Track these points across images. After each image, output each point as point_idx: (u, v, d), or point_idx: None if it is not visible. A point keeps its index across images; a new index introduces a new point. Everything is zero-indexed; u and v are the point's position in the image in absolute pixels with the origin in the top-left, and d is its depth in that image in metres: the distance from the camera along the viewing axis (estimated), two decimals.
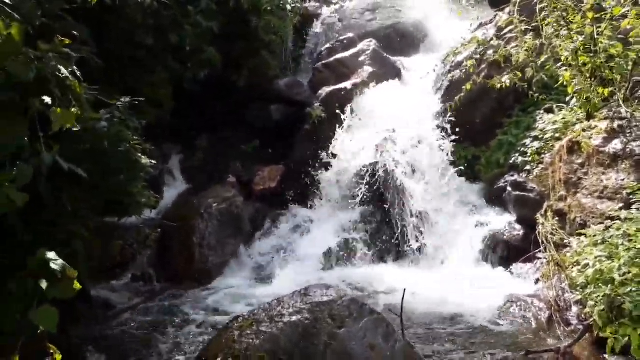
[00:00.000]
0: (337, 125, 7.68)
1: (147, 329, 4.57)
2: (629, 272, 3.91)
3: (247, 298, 5.13)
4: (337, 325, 3.16)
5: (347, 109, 7.81)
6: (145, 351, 4.15)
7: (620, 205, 4.59)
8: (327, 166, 7.44)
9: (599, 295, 4.01)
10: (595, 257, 4.26)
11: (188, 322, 4.63)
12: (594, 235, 4.57)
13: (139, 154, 4.04)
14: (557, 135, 6.60)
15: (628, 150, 4.76)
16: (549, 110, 7.21)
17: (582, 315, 4.26)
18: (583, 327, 3.62)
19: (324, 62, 9.40)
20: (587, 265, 4.32)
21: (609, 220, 4.56)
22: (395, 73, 8.92)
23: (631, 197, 4.50)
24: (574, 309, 4.39)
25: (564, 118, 6.72)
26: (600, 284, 4.08)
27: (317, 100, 8.13)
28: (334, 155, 7.46)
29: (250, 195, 7.54)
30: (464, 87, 6.15)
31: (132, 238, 5.54)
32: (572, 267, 4.49)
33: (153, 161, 4.22)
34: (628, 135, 4.88)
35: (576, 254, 4.57)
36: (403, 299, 3.79)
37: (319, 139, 7.77)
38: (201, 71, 7.67)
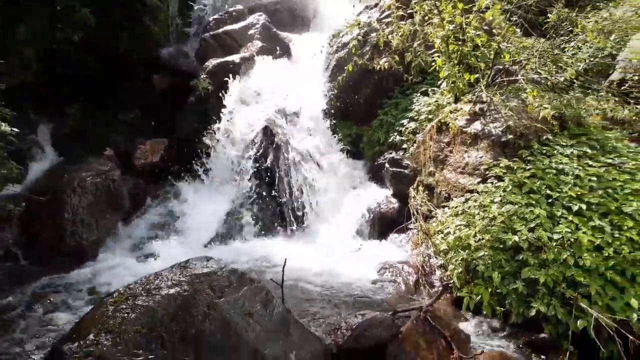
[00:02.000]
0: (225, 98, 7.56)
1: (9, 313, 4.21)
2: (483, 239, 4.42)
3: (125, 277, 4.90)
4: (217, 295, 3.19)
5: (235, 82, 7.69)
6: (18, 335, 3.83)
7: (479, 180, 5.14)
8: (213, 140, 7.30)
9: (457, 260, 4.51)
10: (456, 226, 4.76)
11: (58, 305, 4.33)
12: (456, 207, 5.09)
13: None
14: (430, 116, 7.17)
15: (486, 130, 5.33)
16: (425, 94, 7.78)
17: (444, 278, 4.75)
18: (442, 288, 4.05)
19: (211, 32, 9.15)
20: (448, 233, 4.81)
21: (469, 193, 5.10)
22: (284, 49, 8.96)
23: (487, 172, 5.06)
24: (438, 272, 4.87)
25: (436, 101, 7.30)
26: (459, 250, 4.58)
27: (203, 72, 7.89)
28: (222, 129, 7.33)
29: (130, 170, 7.16)
30: (345, 68, 6.37)
31: None
32: (437, 235, 4.97)
33: (15, 129, 3.80)
34: (487, 117, 5.46)
35: (440, 224, 5.06)
36: (284, 268, 3.92)
37: (205, 112, 7.59)
38: (74, 33, 7.03)
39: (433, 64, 6.57)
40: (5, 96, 5.51)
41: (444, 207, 5.31)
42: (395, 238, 6.20)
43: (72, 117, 7.74)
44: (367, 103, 8.30)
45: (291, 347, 3.11)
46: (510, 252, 4.29)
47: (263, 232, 6.54)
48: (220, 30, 9.13)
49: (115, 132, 7.82)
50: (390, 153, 7.34)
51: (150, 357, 2.89)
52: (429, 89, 7.75)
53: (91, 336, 2.97)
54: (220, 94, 7.55)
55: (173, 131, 7.74)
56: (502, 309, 4.12)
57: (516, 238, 4.22)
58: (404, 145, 7.32)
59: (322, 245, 6.20)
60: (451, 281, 4.56)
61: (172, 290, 3.17)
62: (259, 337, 3.09)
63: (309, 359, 3.13)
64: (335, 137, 7.93)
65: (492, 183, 4.93)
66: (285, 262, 3.92)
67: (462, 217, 4.85)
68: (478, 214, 4.71)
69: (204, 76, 7.76)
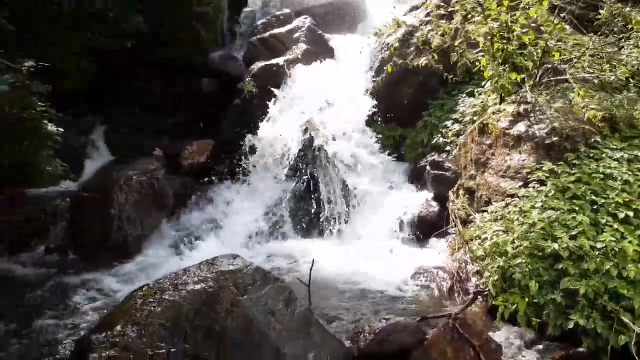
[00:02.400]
0: (269, 101, 7.68)
1: (57, 302, 4.48)
2: (521, 245, 4.24)
3: (164, 272, 5.09)
4: (240, 292, 3.25)
5: (280, 84, 7.81)
6: (53, 321, 4.08)
7: (520, 183, 4.93)
8: (256, 142, 7.44)
9: (493, 267, 4.35)
10: (493, 231, 4.60)
11: (96, 297, 4.57)
12: (495, 212, 4.91)
13: (45, 121, 3.88)
14: (475, 118, 6.95)
15: (530, 133, 5.11)
16: (471, 94, 7.57)
17: (480, 285, 4.60)
18: (472, 295, 3.92)
19: (258, 36, 9.33)
20: (486, 239, 4.65)
21: (509, 198, 4.91)
22: (329, 51, 9.00)
23: (529, 176, 4.85)
24: (473, 279, 4.72)
25: (482, 102, 7.07)
26: (495, 256, 4.41)
27: (249, 75, 8.06)
28: (264, 131, 7.46)
29: (178, 169, 7.43)
30: (385, 68, 6.30)
31: (43, 209, 5.33)
32: (474, 241, 4.81)
33: (60, 129, 4.06)
34: (531, 118, 5.23)
35: (478, 229, 4.90)
36: (311, 268, 3.94)
37: (250, 114, 7.75)
38: (127, 41, 7.39)
39: (478, 63, 6.38)
40: (61, 99, 5.89)
41: (483, 211, 5.14)
42: (434, 242, 6.06)
43: (126, 119, 8.15)
44: (411, 104, 8.16)
45: (311, 347, 3.12)
46: (549, 261, 4.09)
47: (300, 233, 6.59)
48: (267, 33, 9.29)
49: (164, 134, 8.16)
50: (432, 155, 7.19)
51: (172, 350, 2.98)
52: (475, 90, 7.53)
53: (118, 327, 3.11)
54: (263, 96, 7.68)
55: (218, 133, 7.95)
56: (538, 320, 3.93)
57: (556, 246, 4.01)
58: (447, 148, 7.15)
59: (357, 248, 6.16)
60: (486, 289, 4.41)
61: (197, 286, 3.26)
62: (280, 336, 3.12)
63: None
64: (377, 138, 7.86)
65: (533, 187, 4.72)
66: (313, 262, 3.94)
67: (501, 223, 4.67)
68: (517, 219, 4.53)
69: (249, 79, 7.93)
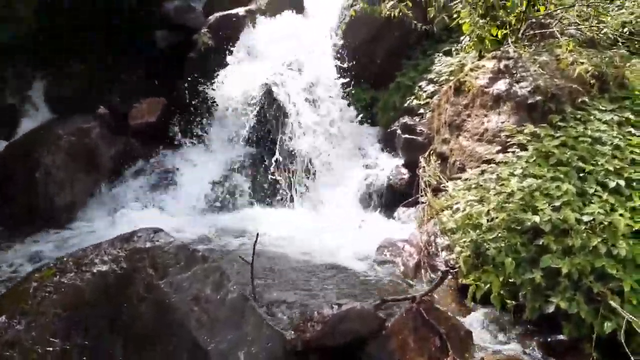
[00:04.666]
0: (227, 56, 6.91)
1: None
2: (497, 217, 3.71)
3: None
4: (159, 275, 2.64)
5: (239, 37, 7.02)
6: None
7: (498, 148, 4.38)
8: (213, 101, 6.70)
9: (465, 241, 3.82)
10: (467, 202, 4.05)
11: (9, 270, 3.90)
12: (469, 179, 4.36)
13: None
14: (451, 77, 6.35)
15: (511, 92, 4.53)
16: (448, 53, 6.94)
17: (450, 262, 4.08)
18: (441, 275, 3.38)
19: None
20: (458, 209, 4.11)
21: (486, 164, 4.35)
22: (297, 2, 8.16)
23: (509, 140, 4.29)
24: (443, 254, 4.19)
25: (460, 61, 6.46)
26: (468, 229, 3.89)
27: (206, 26, 7.23)
28: (221, 88, 6.71)
29: (125, 130, 6.66)
30: (349, 12, 5.58)
31: None
32: (445, 212, 4.27)
33: None
34: (513, 76, 4.64)
35: (450, 198, 4.35)
36: (255, 243, 3.33)
37: (206, 70, 6.95)
38: None
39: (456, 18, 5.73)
40: None
41: (456, 179, 4.58)
42: (402, 213, 5.53)
43: (72, 74, 7.28)
44: (385, 64, 7.52)
45: (243, 342, 2.54)
46: (528, 235, 3.56)
47: (258, 203, 5.97)
48: None
49: (113, 91, 7.33)
50: (405, 119, 6.59)
51: (66, 347, 2.37)
52: (453, 49, 6.90)
53: (3, 317, 2.49)
54: (221, 51, 6.89)
55: (173, 90, 7.16)
56: (514, 302, 3.43)
57: (537, 218, 3.48)
58: (421, 110, 6.55)
59: (319, 218, 5.61)
60: (456, 266, 3.89)
61: (105, 267, 2.64)
62: (203, 328, 2.53)
63: (265, 357, 2.55)
64: (347, 100, 7.20)
65: (513, 152, 4.16)
66: (257, 237, 3.33)
67: (476, 192, 4.12)
68: (494, 188, 3.98)
69: (205, 30, 7.10)
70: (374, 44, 7.54)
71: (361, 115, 7.18)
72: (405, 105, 6.80)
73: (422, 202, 5.34)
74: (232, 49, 6.94)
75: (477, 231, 3.79)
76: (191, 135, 6.62)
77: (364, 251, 4.60)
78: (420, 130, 5.92)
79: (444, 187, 4.70)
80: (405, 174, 5.88)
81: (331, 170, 6.33)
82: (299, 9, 8.20)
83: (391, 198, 5.78)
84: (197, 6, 8.44)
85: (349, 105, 7.20)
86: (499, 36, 5.38)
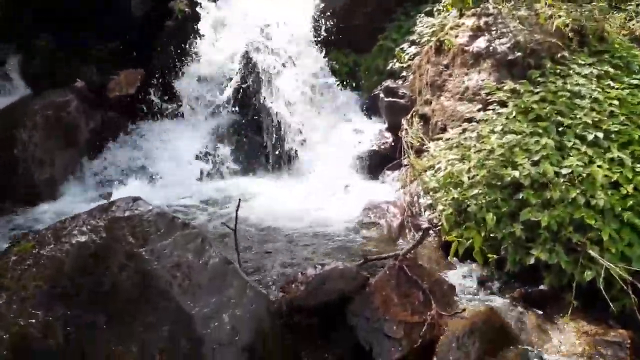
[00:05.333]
0: (204, 22, 6.73)
1: None
2: (477, 175, 3.72)
3: None
4: (139, 243, 2.61)
5: (215, 3, 6.83)
6: None
7: (479, 106, 4.36)
8: (192, 70, 6.55)
9: (447, 199, 3.83)
10: (448, 161, 4.05)
11: None
12: (451, 139, 4.35)
13: None
14: (432, 38, 6.26)
15: (491, 49, 4.48)
16: (429, 14, 6.82)
17: (433, 220, 4.11)
18: (422, 232, 3.40)
19: None
20: (439, 169, 4.11)
21: (467, 123, 4.34)
22: None
23: (489, 97, 4.27)
24: (426, 213, 4.21)
25: (441, 21, 6.35)
26: (450, 188, 3.90)
27: None
28: (200, 57, 6.56)
29: (104, 103, 6.50)
30: None
31: None
32: (427, 172, 4.27)
33: None
34: (493, 32, 4.58)
35: (432, 158, 4.34)
36: (237, 208, 3.30)
37: (184, 38, 6.77)
38: None
39: None
40: None
41: (438, 139, 4.57)
42: (387, 176, 5.52)
43: (42, 48, 7.04)
44: (367, 27, 7.36)
45: (226, 304, 2.55)
46: (508, 190, 3.59)
47: (245, 170, 5.91)
48: None
49: (90, 64, 7.12)
50: (387, 82, 6.52)
51: (49, 318, 2.36)
52: (435, 9, 6.78)
53: None
54: (198, 17, 6.71)
55: (151, 60, 6.98)
56: (495, 256, 3.48)
57: (516, 173, 3.50)
58: (403, 73, 6.47)
59: (306, 184, 5.58)
60: (438, 223, 3.92)
61: (84, 238, 2.60)
62: (186, 294, 2.53)
63: (249, 319, 2.57)
64: (329, 65, 7.09)
65: (493, 110, 4.14)
66: (239, 203, 3.30)
67: (457, 151, 4.12)
68: (474, 146, 3.97)
69: None
70: (355, 7, 7.39)
71: (344, 81, 7.08)
72: (389, 68, 6.72)
73: (406, 165, 5.36)
74: (208, 15, 6.75)
75: (459, 189, 3.80)
76: (171, 106, 6.48)
77: (349, 214, 4.60)
78: (403, 92, 5.86)
79: (426, 148, 4.68)
80: (388, 137, 5.86)
81: (316, 137, 6.27)
82: None
83: (376, 162, 5.76)
84: None
85: (331, 71, 7.09)
86: None
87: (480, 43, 4.54)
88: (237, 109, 6.37)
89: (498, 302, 3.28)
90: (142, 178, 5.57)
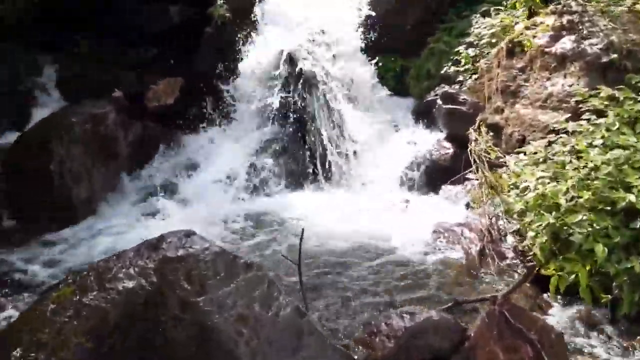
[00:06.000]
0: (246, 28, 6.28)
1: None
2: (579, 197, 3.12)
3: (119, 243, 3.95)
4: (196, 290, 2.13)
5: (257, 7, 6.37)
6: None
7: (567, 115, 3.76)
8: (233, 78, 6.11)
9: (540, 225, 3.24)
10: (537, 179, 3.45)
11: (22, 275, 3.45)
12: (535, 153, 3.75)
13: None
14: (493, 40, 5.67)
15: (579, 50, 3.87)
16: (486, 14, 6.23)
17: (519, 247, 3.52)
18: (526, 271, 2.82)
19: None
20: (527, 188, 3.52)
21: (553, 135, 3.73)
22: None
23: (580, 106, 3.65)
24: (510, 239, 3.63)
25: (501, 21, 5.76)
26: (542, 211, 3.30)
27: None
28: (242, 64, 6.11)
29: (143, 113, 6.12)
30: None
31: None
32: (509, 190, 3.69)
33: None
34: (579, 32, 3.97)
35: (514, 175, 3.75)
36: (301, 240, 2.79)
37: (224, 45, 6.34)
38: None
39: None
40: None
41: (517, 153, 3.97)
42: (449, 191, 4.94)
43: (80, 56, 6.74)
44: (415, 30, 6.83)
45: None
46: (620, 217, 2.98)
47: (292, 185, 5.42)
48: None
49: (128, 73, 6.77)
50: (443, 87, 5.94)
51: None
52: (491, 9, 6.17)
53: (19, 351, 2.02)
54: (239, 22, 6.27)
55: (190, 69, 6.57)
56: (608, 295, 2.87)
57: (632, 197, 2.89)
58: (460, 78, 5.90)
59: (359, 200, 5.05)
60: (529, 253, 3.33)
61: (131, 283, 2.15)
62: (255, 355, 2.02)
63: None
64: (376, 71, 6.56)
65: (588, 120, 3.53)
66: (302, 233, 2.79)
67: (546, 167, 3.52)
68: (570, 162, 3.37)
69: (221, 2, 6.46)
70: (402, 9, 6.85)
71: (391, 86, 6.53)
72: (442, 72, 6.16)
73: (472, 179, 4.78)
74: (250, 19, 6.30)
75: (554, 213, 3.21)
76: (212, 116, 6.05)
77: (416, 237, 4.05)
78: (464, 99, 5.27)
79: (502, 162, 4.09)
80: (448, 148, 5.28)
81: (367, 147, 5.75)
82: None
83: (435, 175, 5.19)
84: None
85: (378, 76, 6.56)
86: None
87: (565, 44, 3.94)
88: (282, 119, 5.88)
89: (616, 353, 2.68)
90: (184, 195, 5.13)
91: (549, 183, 3.36)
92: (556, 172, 3.40)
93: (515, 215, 3.57)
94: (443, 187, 5.06)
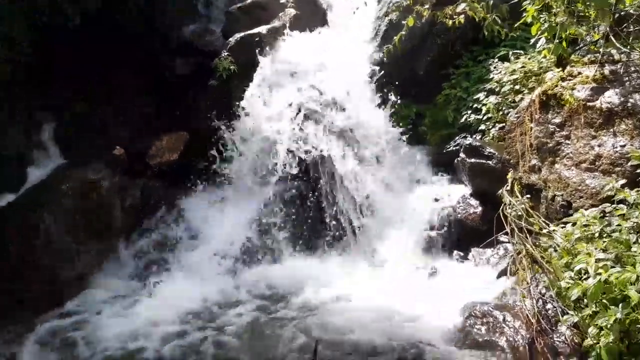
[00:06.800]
0: (250, 81, 5.84)
1: None
2: None
3: (107, 331, 3.36)
4: None
5: (263, 59, 5.95)
6: None
7: (622, 181, 3.17)
8: (237, 133, 5.62)
9: (606, 321, 2.61)
10: (597, 261, 2.84)
11: None
12: (587, 224, 3.15)
13: None
14: (517, 87, 5.19)
15: (629, 104, 3.32)
16: (504, 59, 5.75)
17: (574, 340, 2.89)
18: None
19: (239, 5, 7.37)
20: (583, 272, 2.90)
21: (608, 204, 3.14)
22: (321, 16, 7.10)
23: (638, 170, 3.07)
24: (564, 330, 2.99)
25: (523, 66, 5.28)
26: (606, 302, 2.67)
27: (225, 49, 6.17)
28: (247, 119, 5.63)
29: (145, 171, 5.63)
30: (404, 22, 4.40)
31: None
32: (561, 271, 3.07)
33: None
34: (626, 84, 3.43)
35: (564, 253, 3.14)
36: (315, 354, 2.19)
37: (229, 98, 5.90)
38: (73, 11, 5.58)
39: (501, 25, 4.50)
40: None
41: (562, 221, 3.37)
42: (480, 255, 4.35)
43: (79, 112, 6.30)
44: (429, 75, 6.38)
45: None
46: None
47: (300, 250, 4.85)
48: (249, 0, 7.35)
49: (130, 128, 6.32)
50: (464, 137, 5.43)
51: None
52: (510, 53, 5.71)
53: None
54: (244, 75, 5.83)
55: (193, 123, 6.11)
56: None
57: None
58: (482, 127, 5.39)
59: (378, 268, 4.47)
60: (591, 354, 2.69)
61: None
62: None
63: None
64: (389, 119, 6.06)
65: None
66: (316, 347, 2.19)
67: (604, 245, 2.92)
68: (637, 242, 2.77)
69: (226, 54, 6.04)
70: (416, 54, 6.41)
71: (406, 135, 6.01)
72: (462, 121, 5.66)
73: (504, 242, 4.18)
74: (256, 72, 5.86)
75: (623, 307, 2.58)
76: (217, 174, 5.53)
77: (445, 319, 3.43)
78: (490, 152, 4.71)
79: (544, 231, 3.49)
80: (476, 206, 4.70)
81: (383, 205, 5.17)
82: (325, 22, 7.16)
83: (462, 237, 4.61)
84: (215, 29, 7.48)
85: (392, 124, 6.05)
86: (582, 34, 4.16)
87: (612, 98, 3.40)
88: (290, 175, 5.35)
89: None
90: (182, 266, 4.55)
91: (613, 268, 2.74)
92: (620, 254, 2.80)
93: (568, 301, 2.94)
94: (473, 250, 4.46)
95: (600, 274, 2.75)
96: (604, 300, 2.70)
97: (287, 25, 6.55)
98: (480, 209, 4.63)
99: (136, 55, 6.57)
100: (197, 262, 4.52)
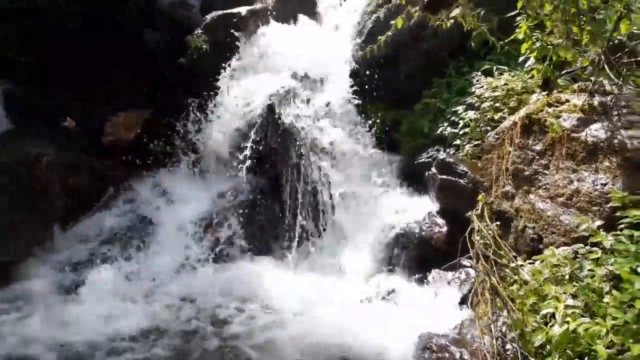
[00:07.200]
0: (224, 63, 5.40)
1: None
2: (624, 349, 2.26)
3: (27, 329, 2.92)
4: None
5: (240, 41, 5.52)
6: None
7: (599, 222, 2.93)
8: (204, 117, 5.20)
9: None
10: (566, 307, 2.59)
11: None
12: (557, 265, 2.90)
13: None
14: (497, 105, 4.92)
15: (616, 141, 3.07)
16: (488, 73, 5.49)
17: None
18: None
19: None
20: (549, 316, 2.66)
21: (581, 244, 2.90)
22: (308, 3, 6.70)
23: (618, 213, 2.83)
24: None
25: (506, 84, 5.02)
26: (571, 354, 2.43)
27: (200, 27, 5.69)
28: (215, 103, 5.22)
29: (98, 149, 5.15)
30: (392, 23, 4.06)
31: None
32: (526, 312, 2.82)
33: None
34: (614, 118, 3.19)
35: (531, 292, 2.88)
36: None
37: (197, 78, 5.45)
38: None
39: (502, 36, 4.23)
40: None
41: (531, 258, 3.12)
42: (441, 278, 4.07)
43: (34, 80, 5.71)
44: (410, 81, 6.04)
45: None
46: None
47: (256, 252, 4.50)
48: None
49: (88, 99, 5.76)
50: (438, 150, 5.14)
51: None
52: (494, 68, 5.45)
53: None
54: (218, 56, 5.39)
55: (157, 101, 5.63)
56: None
57: None
58: (457, 141, 5.10)
59: (334, 282, 4.15)
60: None
61: None
62: None
63: None
64: (363, 122, 5.76)
65: (631, 237, 2.70)
66: None
67: (574, 290, 2.67)
68: (609, 292, 2.53)
69: (200, 32, 5.57)
70: (399, 58, 6.09)
71: (380, 141, 5.71)
72: (437, 132, 5.36)
73: (467, 266, 3.95)
74: (231, 54, 5.43)
75: None
76: (175, 159, 5.11)
77: (400, 349, 3.15)
78: (463, 170, 4.45)
79: (512, 264, 3.24)
80: (442, 225, 4.43)
81: (346, 211, 4.87)
82: (311, 14, 6.75)
83: (424, 256, 4.33)
84: (194, 3, 6.95)
85: (364, 127, 5.75)
86: (575, 59, 3.92)
87: (599, 131, 3.15)
88: (254, 168, 4.98)
89: None
90: (124, 258, 4.12)
91: (581, 316, 2.50)
92: (590, 302, 2.56)
93: (530, 346, 2.70)
94: (433, 272, 4.18)
95: (568, 322, 2.51)
96: (569, 352, 2.46)
97: (270, 8, 6.13)
98: (446, 228, 4.36)
99: (104, 20, 6.01)
100: (142, 257, 4.08)
